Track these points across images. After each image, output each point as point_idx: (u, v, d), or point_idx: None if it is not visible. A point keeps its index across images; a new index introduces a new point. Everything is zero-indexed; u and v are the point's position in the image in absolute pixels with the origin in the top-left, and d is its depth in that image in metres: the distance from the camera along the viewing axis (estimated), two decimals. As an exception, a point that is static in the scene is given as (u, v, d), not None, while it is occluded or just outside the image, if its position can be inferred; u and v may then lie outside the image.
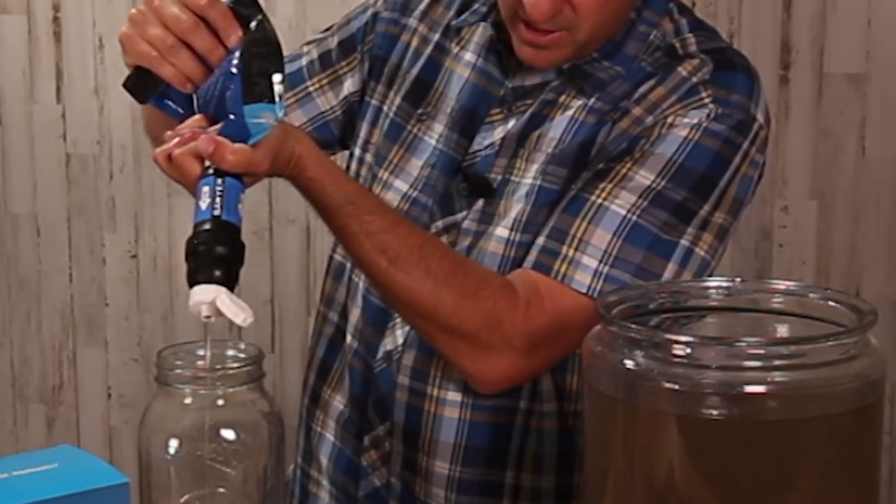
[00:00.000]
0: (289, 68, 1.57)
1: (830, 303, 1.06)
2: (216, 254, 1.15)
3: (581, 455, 1.07)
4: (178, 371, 1.21)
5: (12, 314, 2.56)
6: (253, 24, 1.26)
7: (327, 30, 1.62)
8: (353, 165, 1.56)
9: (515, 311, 1.32)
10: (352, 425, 1.52)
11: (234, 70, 1.24)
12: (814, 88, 2.01)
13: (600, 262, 1.33)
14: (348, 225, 1.30)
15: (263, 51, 1.26)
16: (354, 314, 1.52)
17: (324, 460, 1.55)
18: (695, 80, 1.39)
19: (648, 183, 1.35)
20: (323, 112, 1.58)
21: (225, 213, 1.18)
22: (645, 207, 1.34)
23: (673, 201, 1.35)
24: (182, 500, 1.20)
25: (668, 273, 1.34)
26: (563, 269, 1.33)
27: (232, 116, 1.23)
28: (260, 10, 1.28)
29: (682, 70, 1.40)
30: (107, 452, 2.52)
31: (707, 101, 1.38)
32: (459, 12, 1.52)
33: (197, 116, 1.25)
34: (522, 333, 1.32)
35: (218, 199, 1.18)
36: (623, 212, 1.34)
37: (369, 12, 1.58)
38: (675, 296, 1.13)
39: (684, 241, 1.35)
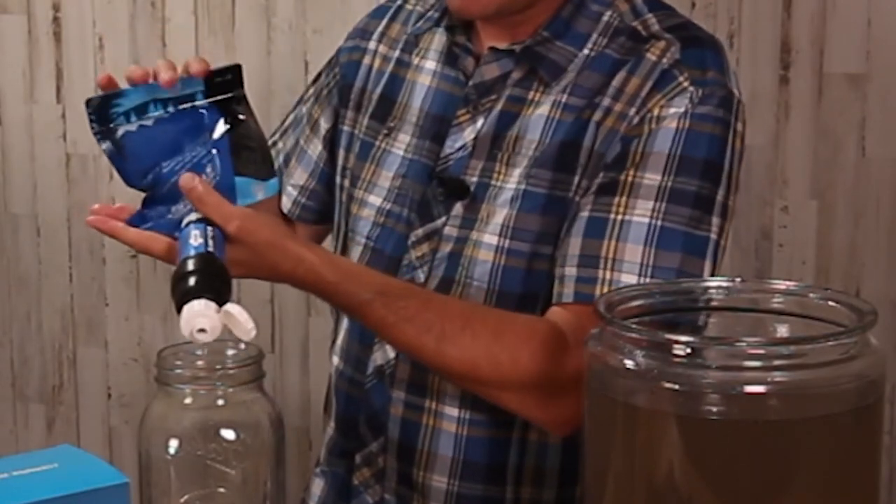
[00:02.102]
0: (296, 135, 1.63)
1: (830, 303, 1.06)
2: (214, 272, 1.16)
3: (582, 462, 1.07)
4: (178, 371, 1.21)
5: (12, 314, 2.56)
6: (240, 120, 1.29)
7: (315, 80, 1.65)
8: (338, 194, 1.57)
9: (568, 349, 1.31)
10: (338, 448, 1.52)
11: (217, 150, 1.27)
12: (814, 88, 2.01)
13: (639, 275, 1.32)
14: (384, 317, 1.30)
15: (253, 143, 1.30)
16: (341, 336, 1.52)
17: (316, 489, 1.56)
18: (665, 62, 1.38)
19: (657, 183, 1.34)
20: (315, 160, 1.60)
21: (217, 252, 1.19)
22: (665, 209, 1.33)
23: (689, 194, 1.34)
24: (182, 500, 1.20)
25: (706, 272, 1.33)
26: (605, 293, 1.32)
27: (216, 178, 1.25)
28: (250, 111, 1.31)
29: (651, 55, 1.39)
30: (107, 452, 2.52)
31: (685, 84, 1.37)
32: (415, 25, 1.53)
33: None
34: (581, 369, 1.30)
35: (210, 241, 1.20)
36: (646, 220, 1.33)
37: (335, 50, 1.61)
38: (675, 296, 1.13)
39: (713, 235, 1.35)
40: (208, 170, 1.27)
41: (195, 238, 1.19)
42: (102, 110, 1.29)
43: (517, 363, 1.31)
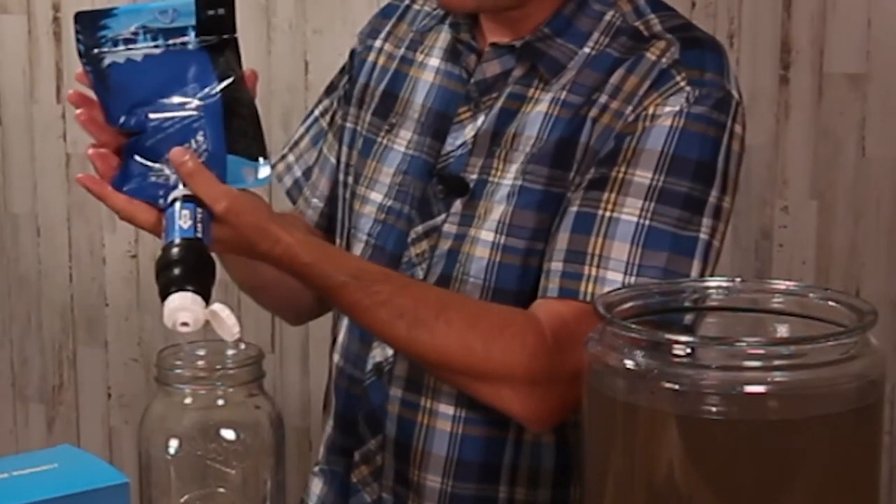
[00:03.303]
0: (311, 139, 1.62)
1: (830, 303, 1.06)
2: (200, 263, 1.16)
3: (579, 466, 1.07)
4: (178, 371, 1.21)
5: (12, 314, 2.56)
6: (230, 79, 1.26)
7: (329, 88, 1.64)
8: (340, 191, 1.56)
9: (545, 342, 1.31)
10: (336, 446, 1.52)
11: (208, 115, 1.25)
12: (814, 88, 2.01)
13: (625, 273, 1.31)
14: (358, 301, 1.30)
15: (245, 110, 1.27)
16: (341, 334, 1.52)
17: (315, 489, 1.56)
18: (664, 62, 1.38)
19: (648, 182, 1.34)
20: (335, 166, 1.59)
21: (205, 239, 1.18)
22: (654, 209, 1.33)
23: (679, 195, 1.34)
24: (182, 500, 1.20)
25: (694, 271, 1.33)
26: (589, 289, 1.31)
27: (206, 151, 1.23)
28: (239, 62, 1.28)
29: (651, 55, 1.39)
30: (107, 452, 2.52)
31: (682, 84, 1.37)
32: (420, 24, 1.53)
33: None
34: (559, 363, 1.29)
35: (199, 225, 1.19)
36: (634, 218, 1.33)
37: (348, 53, 1.61)
38: (675, 296, 1.13)
39: (703, 235, 1.34)
40: (199, 136, 1.25)
41: (184, 219, 1.19)
42: (91, 29, 1.26)
43: (490, 353, 1.31)
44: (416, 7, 1.56)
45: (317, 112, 1.64)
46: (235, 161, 1.24)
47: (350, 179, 1.54)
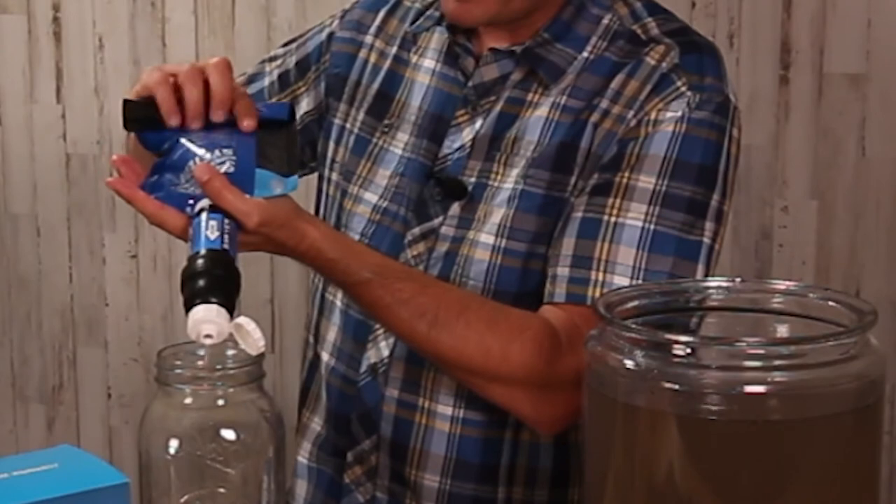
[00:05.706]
0: (252, 89, 1.58)
1: (830, 303, 1.06)
2: (226, 274, 1.16)
3: (579, 469, 1.07)
4: (178, 371, 1.21)
5: (12, 314, 2.56)
6: (279, 127, 1.28)
7: (288, 43, 1.62)
8: (324, 186, 1.56)
9: (560, 347, 1.31)
10: (329, 445, 1.52)
11: (244, 143, 1.26)
12: (814, 88, 2.01)
13: (632, 278, 1.32)
14: (380, 297, 1.31)
15: (281, 144, 1.27)
16: (332, 332, 1.51)
17: (300, 489, 1.55)
18: (664, 66, 1.38)
19: (652, 187, 1.34)
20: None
21: (232, 251, 1.19)
22: (659, 213, 1.33)
23: (683, 199, 1.34)
24: (182, 500, 1.20)
25: (698, 275, 1.33)
26: (597, 294, 1.31)
27: (234, 166, 1.24)
28: (292, 125, 1.30)
29: (650, 59, 1.39)
30: (107, 452, 2.52)
31: (683, 89, 1.37)
32: (414, 22, 1.52)
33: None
34: (572, 368, 1.28)
35: (226, 236, 1.19)
36: (639, 223, 1.33)
37: (325, 32, 1.59)
38: (675, 296, 1.13)
39: (706, 239, 1.35)
40: (224, 147, 1.26)
41: (211, 230, 1.19)
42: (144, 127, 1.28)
43: (508, 355, 1.31)
44: (406, 3, 1.55)
45: (267, 69, 1.61)
46: (264, 174, 1.25)
47: (335, 176, 1.54)
